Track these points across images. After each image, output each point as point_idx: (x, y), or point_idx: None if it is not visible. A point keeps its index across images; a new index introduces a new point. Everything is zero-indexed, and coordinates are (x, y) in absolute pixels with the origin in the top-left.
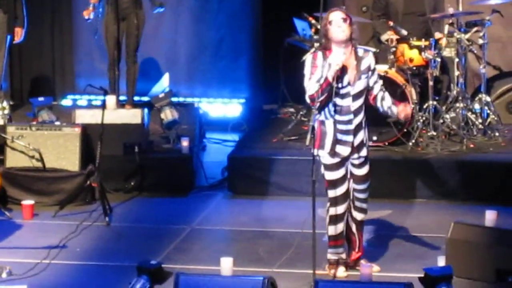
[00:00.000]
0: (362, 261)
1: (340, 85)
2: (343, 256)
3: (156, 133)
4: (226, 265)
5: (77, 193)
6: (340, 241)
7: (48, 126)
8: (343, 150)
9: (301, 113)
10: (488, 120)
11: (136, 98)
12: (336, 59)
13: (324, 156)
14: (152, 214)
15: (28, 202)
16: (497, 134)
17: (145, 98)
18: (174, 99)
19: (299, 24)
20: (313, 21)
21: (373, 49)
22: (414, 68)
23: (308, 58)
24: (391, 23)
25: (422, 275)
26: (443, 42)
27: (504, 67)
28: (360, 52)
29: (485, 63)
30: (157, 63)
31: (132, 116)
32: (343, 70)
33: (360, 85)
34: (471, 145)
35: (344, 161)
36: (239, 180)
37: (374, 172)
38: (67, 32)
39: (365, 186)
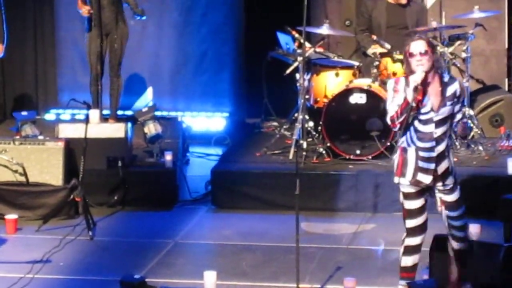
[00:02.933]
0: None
1: (422, 111)
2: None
3: (139, 147)
4: (210, 279)
5: (60, 208)
6: (413, 274)
7: (31, 140)
8: (425, 178)
9: (284, 127)
10: (472, 133)
11: (119, 112)
12: (414, 77)
13: (404, 185)
14: (135, 228)
15: (11, 216)
16: (480, 148)
17: (129, 112)
18: (158, 113)
19: (283, 38)
20: (297, 35)
21: (356, 63)
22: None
23: (390, 82)
24: (374, 37)
25: None
26: None
27: (487, 80)
28: (446, 78)
29: (468, 76)
30: (140, 77)
31: (116, 130)
32: (425, 95)
33: (444, 112)
34: (454, 159)
35: (425, 190)
36: (223, 194)
37: (358, 186)
38: (49, 46)
39: (458, 213)
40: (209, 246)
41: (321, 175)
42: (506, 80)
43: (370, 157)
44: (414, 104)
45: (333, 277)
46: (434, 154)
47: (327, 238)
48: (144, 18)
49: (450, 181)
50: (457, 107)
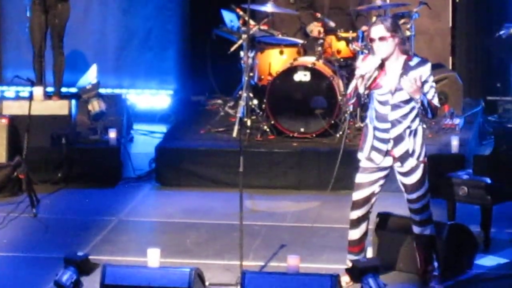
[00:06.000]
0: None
1: (379, 92)
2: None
3: (83, 125)
4: (153, 256)
5: (4, 185)
6: (354, 248)
7: None
8: (377, 158)
9: (228, 104)
10: None
11: (63, 90)
12: (363, 65)
13: (362, 160)
14: (79, 206)
15: None
16: (424, 125)
17: (73, 90)
18: (102, 91)
19: (227, 16)
20: (241, 13)
21: (301, 41)
22: (342, 59)
23: (359, 58)
24: (318, 15)
25: (349, 267)
26: None
27: (431, 59)
28: (414, 62)
29: (412, 55)
30: (85, 55)
31: (60, 107)
32: (383, 76)
33: (402, 96)
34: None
35: (381, 169)
36: (167, 171)
37: (302, 163)
38: None
39: (415, 196)
40: (153, 223)
41: (265, 153)
42: (450, 58)
43: (314, 135)
44: (361, 90)
45: (277, 255)
46: (387, 136)
47: (271, 216)
48: None
49: (409, 163)
50: (422, 90)
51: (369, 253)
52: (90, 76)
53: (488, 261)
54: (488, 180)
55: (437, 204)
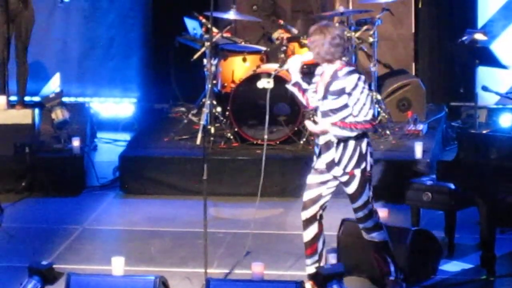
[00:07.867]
0: (255, 264)
1: (317, 97)
2: (309, 269)
3: (47, 133)
4: (118, 264)
5: None
6: (306, 251)
7: None
8: (314, 159)
9: (192, 112)
10: (379, 118)
11: (27, 98)
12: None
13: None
14: (43, 214)
15: None
16: (387, 132)
17: (36, 98)
18: (65, 99)
19: (190, 24)
20: (204, 20)
21: (263, 48)
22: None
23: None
24: (281, 22)
25: (312, 273)
26: None
27: (394, 65)
28: (342, 73)
29: (375, 61)
30: (48, 63)
31: (23, 116)
32: (319, 82)
33: (328, 105)
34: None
35: (324, 171)
36: (131, 179)
37: (266, 171)
38: None
39: (354, 206)
40: (117, 231)
41: (229, 160)
42: (413, 64)
43: (278, 142)
44: (289, 86)
45: (241, 262)
46: (318, 141)
47: (235, 223)
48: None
49: (337, 173)
50: (347, 103)
51: (333, 259)
52: (53, 85)
53: (452, 266)
54: (452, 186)
55: (401, 209)
